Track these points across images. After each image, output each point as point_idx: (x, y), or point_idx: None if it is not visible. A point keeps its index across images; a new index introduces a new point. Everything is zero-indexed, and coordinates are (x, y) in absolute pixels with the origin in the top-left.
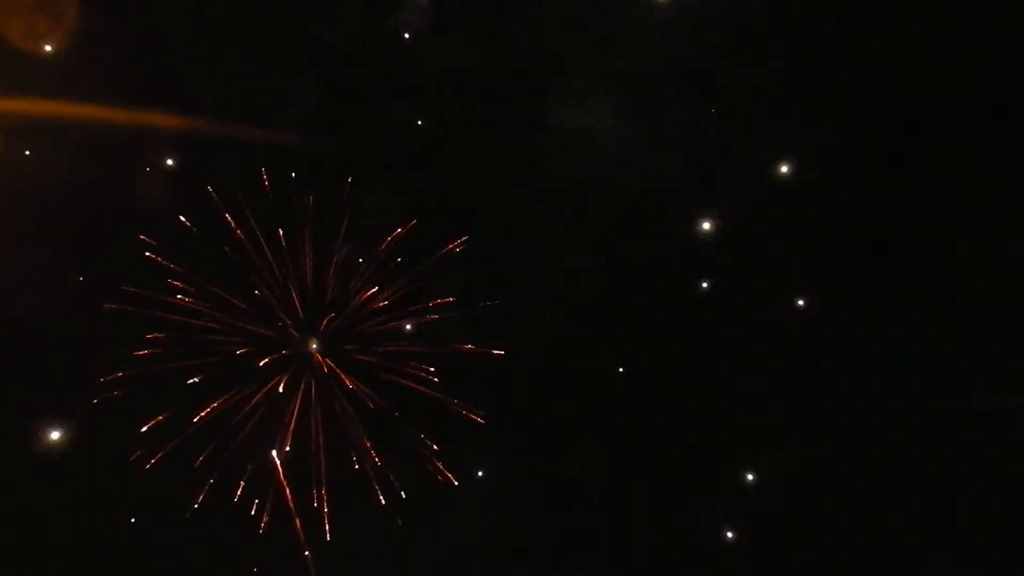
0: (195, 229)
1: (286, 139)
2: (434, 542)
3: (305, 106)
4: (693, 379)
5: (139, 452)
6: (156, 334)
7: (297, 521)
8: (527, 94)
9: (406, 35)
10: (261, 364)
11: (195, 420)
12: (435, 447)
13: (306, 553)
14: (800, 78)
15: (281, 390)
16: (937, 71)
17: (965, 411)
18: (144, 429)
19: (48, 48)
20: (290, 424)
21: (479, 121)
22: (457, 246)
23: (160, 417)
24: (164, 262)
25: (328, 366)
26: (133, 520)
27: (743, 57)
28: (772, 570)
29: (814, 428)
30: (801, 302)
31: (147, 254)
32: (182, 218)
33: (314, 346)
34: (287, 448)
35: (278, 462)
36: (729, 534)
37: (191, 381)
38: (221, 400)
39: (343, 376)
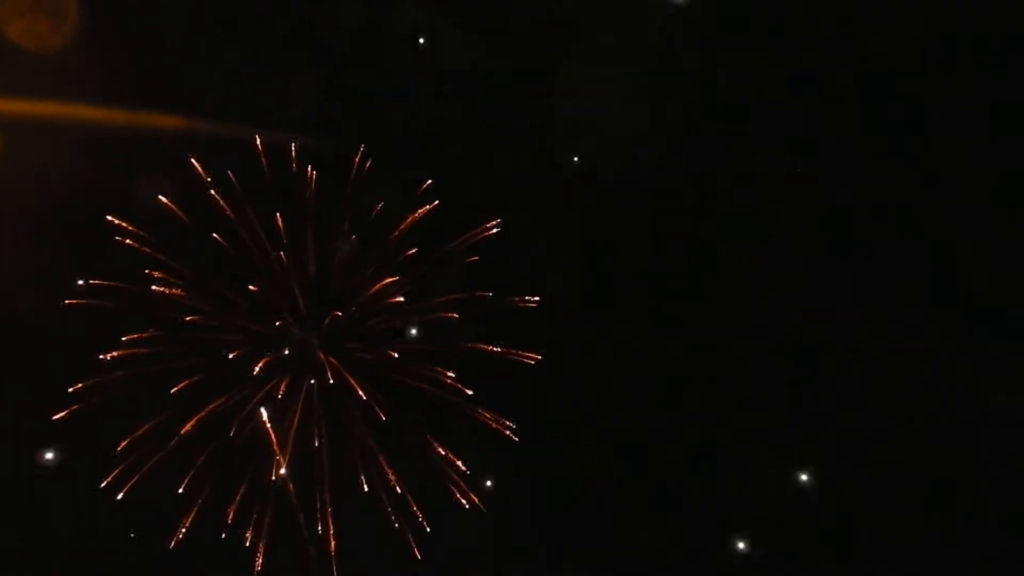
0: (188, 220)
1: (286, 138)
2: (435, 542)
3: (305, 106)
4: (693, 379)
5: (121, 467)
6: (143, 334)
7: (301, 516)
8: (530, 93)
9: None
10: (257, 370)
11: (186, 429)
12: (464, 467)
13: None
14: (799, 78)
15: (281, 395)
16: (937, 71)
17: (966, 411)
18: (122, 445)
19: (48, 48)
20: (291, 429)
21: (483, 120)
22: (486, 231)
23: (143, 428)
24: (163, 258)
25: (331, 365)
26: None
27: (744, 57)
28: (772, 570)
29: (814, 428)
30: (802, 302)
31: (144, 248)
32: (166, 201)
33: (316, 344)
34: (284, 469)
35: (266, 418)
36: (731, 536)
37: (176, 388)
38: (217, 403)
39: (348, 377)
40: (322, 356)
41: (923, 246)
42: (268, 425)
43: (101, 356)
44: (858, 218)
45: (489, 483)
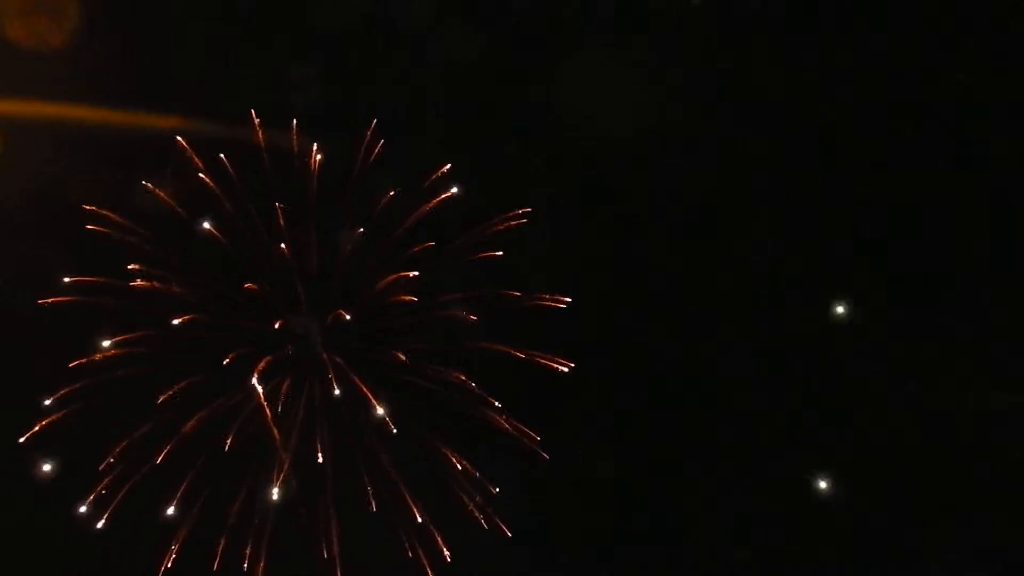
0: (184, 213)
1: (289, 129)
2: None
3: (307, 96)
4: (698, 379)
5: (104, 483)
6: (127, 335)
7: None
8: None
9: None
10: (256, 377)
11: (174, 442)
12: (495, 490)
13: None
14: (802, 78)
15: (282, 400)
16: (935, 71)
17: (966, 411)
18: (104, 464)
19: (48, 48)
20: (292, 437)
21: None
22: (515, 220)
23: (127, 441)
24: (159, 254)
25: (336, 367)
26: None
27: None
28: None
29: (812, 428)
30: (800, 300)
31: (138, 244)
32: (162, 195)
33: (319, 342)
34: (277, 490)
35: (259, 389)
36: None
37: (162, 397)
38: (210, 411)
39: (356, 379)
40: (325, 357)
41: (923, 245)
42: (262, 398)
43: (72, 363)
44: (857, 217)
45: (497, 489)
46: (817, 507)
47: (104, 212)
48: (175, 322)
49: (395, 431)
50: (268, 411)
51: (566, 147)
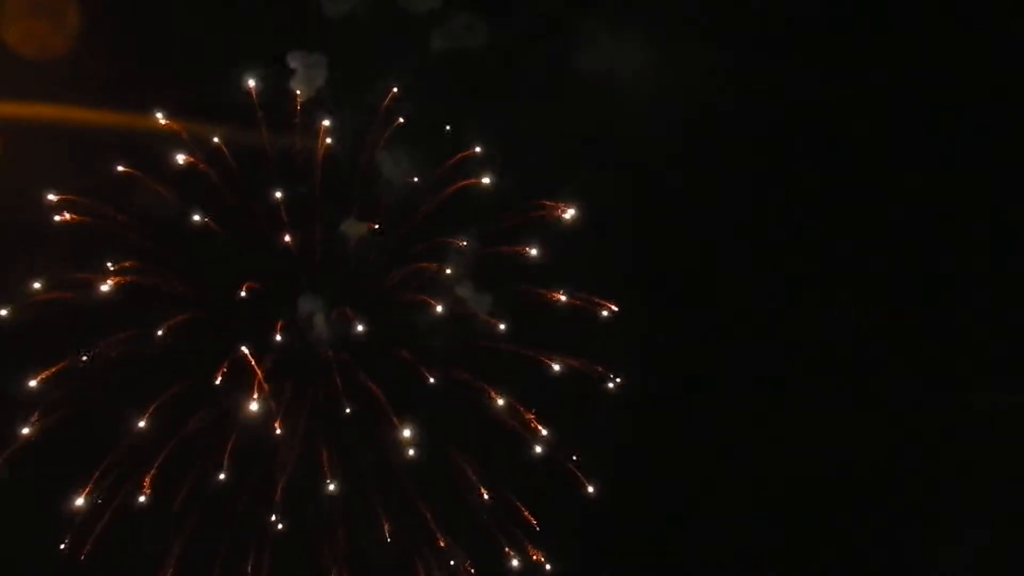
0: (182, 205)
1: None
2: None
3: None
4: (698, 379)
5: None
6: (119, 335)
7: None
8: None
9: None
10: (258, 383)
11: (162, 457)
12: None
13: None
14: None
15: (283, 424)
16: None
17: (962, 410)
18: (82, 496)
19: (48, 50)
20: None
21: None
22: (558, 211)
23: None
24: (158, 251)
25: (345, 366)
26: None
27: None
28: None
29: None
30: (801, 301)
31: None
32: (162, 191)
33: (325, 340)
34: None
35: (248, 354)
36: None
37: (144, 415)
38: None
39: (370, 386)
40: (331, 354)
41: (923, 246)
42: (255, 368)
43: (33, 382)
44: (858, 217)
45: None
46: (817, 507)
47: (105, 211)
48: (160, 332)
49: (412, 452)
50: (272, 415)
51: (586, 141)
